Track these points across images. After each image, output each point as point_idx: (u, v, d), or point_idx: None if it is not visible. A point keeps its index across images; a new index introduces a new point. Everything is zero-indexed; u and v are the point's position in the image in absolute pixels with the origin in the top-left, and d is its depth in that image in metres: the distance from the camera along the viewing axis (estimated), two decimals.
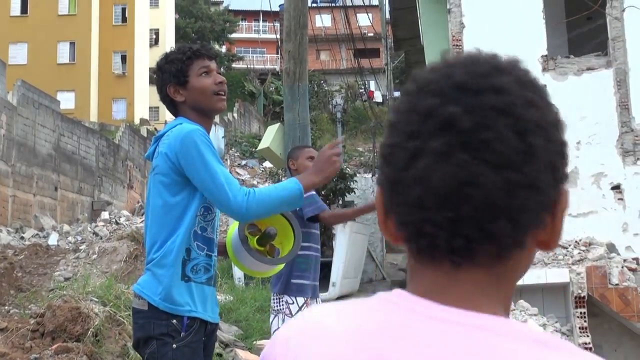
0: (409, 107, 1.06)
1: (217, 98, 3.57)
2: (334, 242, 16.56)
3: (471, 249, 1.00)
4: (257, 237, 3.64)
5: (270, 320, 5.51)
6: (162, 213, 3.39)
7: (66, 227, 25.90)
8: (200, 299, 3.36)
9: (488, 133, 0.98)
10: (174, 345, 3.24)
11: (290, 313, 5.35)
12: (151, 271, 3.34)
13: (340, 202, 20.80)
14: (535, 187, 1.01)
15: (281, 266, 3.93)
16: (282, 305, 5.40)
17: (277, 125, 12.01)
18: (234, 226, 3.65)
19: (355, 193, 22.96)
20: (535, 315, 12.86)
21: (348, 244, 15.82)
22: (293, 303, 5.37)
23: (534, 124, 1.05)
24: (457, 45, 14.85)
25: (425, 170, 0.99)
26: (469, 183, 0.96)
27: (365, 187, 24.76)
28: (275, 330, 5.36)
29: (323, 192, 18.86)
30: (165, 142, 3.38)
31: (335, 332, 1.08)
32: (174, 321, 3.27)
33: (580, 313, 13.02)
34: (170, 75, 3.56)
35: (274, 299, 5.49)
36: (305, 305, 5.40)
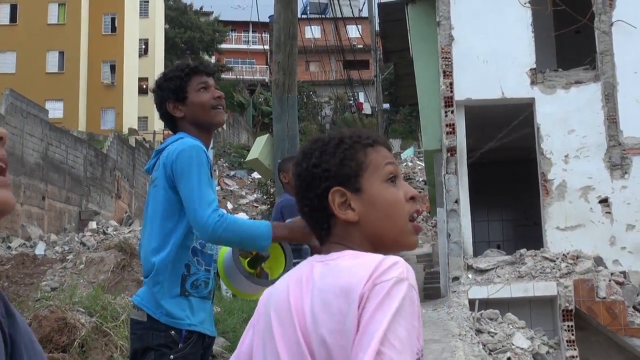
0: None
1: (215, 112, 3.62)
2: None
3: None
4: (248, 259, 3.64)
5: None
6: (157, 226, 3.41)
7: (53, 237, 25.77)
8: (199, 313, 3.39)
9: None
10: (172, 357, 3.26)
11: None
12: (148, 285, 3.36)
13: None
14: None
15: None
16: None
17: (266, 136, 12.01)
18: (224, 249, 3.64)
19: None
20: (522, 328, 12.87)
21: None
22: None
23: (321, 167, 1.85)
24: (446, 57, 14.90)
25: None
26: None
27: None
28: None
29: None
30: (165, 155, 3.43)
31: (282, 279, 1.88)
32: (172, 332, 3.29)
33: (568, 326, 13.04)
34: (169, 92, 3.60)
35: None
36: None
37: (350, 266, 1.66)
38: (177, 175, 3.33)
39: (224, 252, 3.62)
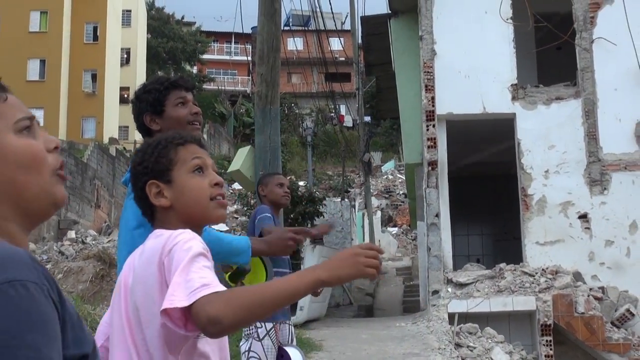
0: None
1: (192, 127, 3.59)
2: (302, 266, 16.51)
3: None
4: (229, 273, 3.63)
5: (240, 343, 5.53)
6: (132, 237, 3.39)
7: (32, 246, 25.59)
8: None
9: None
10: None
11: (258, 337, 5.38)
12: None
13: (309, 225, 20.77)
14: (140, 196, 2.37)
15: None
16: (252, 329, 5.41)
17: (247, 148, 11.99)
18: None
19: (324, 217, 22.95)
20: (501, 342, 12.91)
21: None
22: (261, 327, 5.39)
23: (133, 170, 2.41)
24: (428, 72, 14.95)
25: None
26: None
27: (334, 211, 24.74)
28: (244, 353, 5.41)
29: (292, 216, 18.84)
30: None
31: None
32: None
33: (546, 341, 13.08)
34: (147, 104, 3.58)
35: None
36: (272, 329, 5.42)
37: (152, 243, 2.18)
38: None
39: None
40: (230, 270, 3.63)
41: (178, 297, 1.93)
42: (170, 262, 2.06)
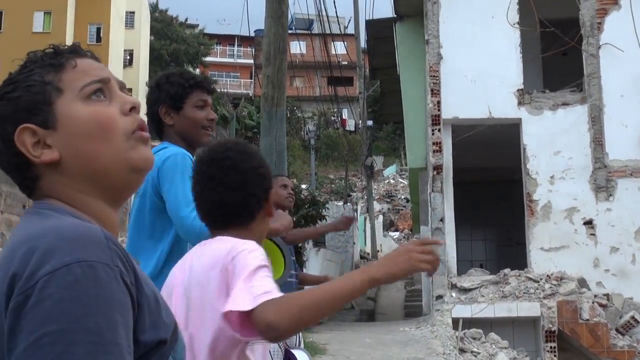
0: (196, 167, 2.56)
1: (205, 132, 3.59)
2: (305, 269, 16.47)
3: (226, 225, 2.48)
4: None
5: None
6: (142, 235, 3.35)
7: None
8: None
9: (226, 178, 2.46)
10: None
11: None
12: None
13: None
14: (252, 196, 2.49)
15: None
16: None
17: None
18: None
19: (326, 220, 22.89)
20: (505, 348, 12.85)
21: (320, 271, 15.77)
22: None
23: (245, 168, 2.48)
24: (434, 76, 14.91)
25: (206, 195, 2.50)
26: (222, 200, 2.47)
27: (337, 214, 24.70)
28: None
29: (294, 219, 18.79)
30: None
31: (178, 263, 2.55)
32: None
33: (551, 347, 13.03)
34: (166, 96, 3.52)
35: None
36: None
37: (215, 247, 2.34)
38: (163, 180, 3.29)
39: None
40: None
41: (242, 301, 2.06)
42: (234, 269, 2.17)
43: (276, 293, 2.08)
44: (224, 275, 2.20)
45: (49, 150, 1.41)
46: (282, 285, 3.89)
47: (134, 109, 1.49)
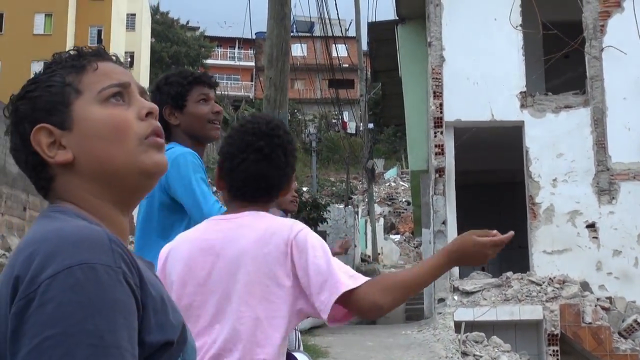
0: (239, 137, 2.55)
1: (212, 126, 3.55)
2: None
3: (256, 198, 2.52)
4: None
5: None
6: (152, 234, 3.33)
7: None
8: None
9: (273, 154, 2.50)
10: None
11: None
12: None
13: (314, 231, 20.71)
14: (286, 175, 2.56)
15: None
16: None
17: None
18: None
19: (327, 223, 22.90)
20: (508, 351, 12.81)
21: None
22: None
23: (289, 149, 2.56)
24: (436, 78, 14.87)
25: (248, 166, 2.49)
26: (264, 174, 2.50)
27: (338, 217, 24.71)
28: None
29: None
30: None
31: (189, 239, 2.53)
32: None
33: (553, 351, 12.99)
34: (168, 97, 3.50)
35: None
36: None
37: (268, 222, 2.46)
38: (172, 180, 3.28)
39: None
40: None
41: (345, 281, 2.25)
42: (304, 245, 2.31)
43: (363, 276, 2.32)
44: (286, 250, 2.31)
45: (63, 151, 1.42)
46: None
47: (151, 114, 1.50)
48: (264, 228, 2.38)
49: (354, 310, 2.27)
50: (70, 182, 1.43)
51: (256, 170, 2.50)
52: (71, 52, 1.51)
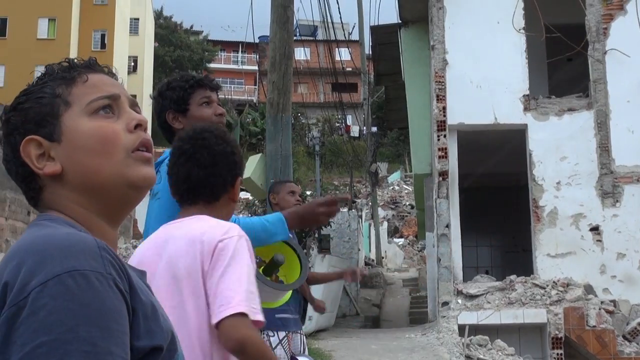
0: (174, 145, 2.73)
1: None
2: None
3: (194, 200, 2.59)
4: (262, 267, 3.52)
5: None
6: None
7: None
8: None
9: (197, 154, 2.59)
10: None
11: (270, 345, 5.29)
12: None
13: (316, 235, 20.71)
14: (218, 176, 2.62)
15: (287, 296, 3.80)
16: (264, 338, 5.34)
17: (258, 156, 11.90)
18: None
19: (331, 227, 22.89)
20: (512, 355, 12.79)
21: None
22: (273, 336, 5.32)
23: (217, 150, 2.63)
24: (439, 81, 14.87)
25: (178, 169, 2.65)
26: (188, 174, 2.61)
27: (342, 221, 24.67)
28: None
29: None
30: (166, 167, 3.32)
31: (145, 242, 2.63)
32: None
33: (557, 354, 12.97)
34: (170, 102, 3.51)
35: None
36: (285, 338, 5.35)
37: (200, 226, 2.51)
38: None
39: None
40: (263, 265, 3.52)
41: (237, 303, 2.27)
42: (225, 254, 2.35)
43: (261, 316, 2.33)
44: (210, 252, 2.36)
45: (52, 162, 1.44)
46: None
47: (140, 126, 1.50)
48: (198, 230, 2.44)
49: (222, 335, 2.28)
50: (59, 193, 1.45)
51: (183, 172, 2.64)
52: (62, 64, 1.53)
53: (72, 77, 1.48)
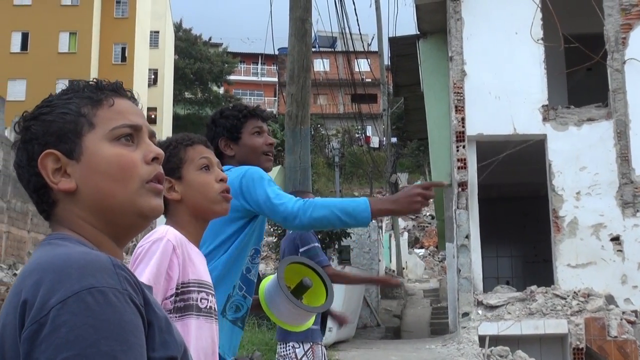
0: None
1: (266, 158, 3.68)
2: None
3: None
4: (290, 290, 3.54)
5: None
6: (208, 245, 3.34)
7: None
8: (226, 336, 3.30)
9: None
10: None
11: (296, 357, 5.36)
12: None
13: (337, 246, 20.70)
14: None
15: (311, 322, 3.82)
16: (289, 349, 5.39)
17: (278, 168, 11.99)
18: (267, 279, 3.56)
19: (351, 237, 22.86)
20: None
21: (345, 290, 15.73)
22: (299, 347, 5.39)
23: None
24: (458, 92, 14.88)
25: None
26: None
27: (362, 232, 24.63)
28: None
29: (319, 236, 18.73)
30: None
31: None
32: None
33: None
34: (223, 129, 3.65)
35: (281, 347, 5.49)
36: (310, 350, 5.40)
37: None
38: (248, 187, 3.37)
39: (264, 283, 3.54)
40: (290, 288, 3.53)
41: None
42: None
43: None
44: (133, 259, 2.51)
45: (67, 179, 1.47)
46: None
47: (157, 159, 1.55)
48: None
49: None
50: (71, 209, 1.49)
51: None
52: (90, 83, 1.56)
53: (99, 99, 1.51)
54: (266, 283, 3.51)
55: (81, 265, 1.29)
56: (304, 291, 3.50)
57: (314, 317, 3.77)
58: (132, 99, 1.59)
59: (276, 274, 3.42)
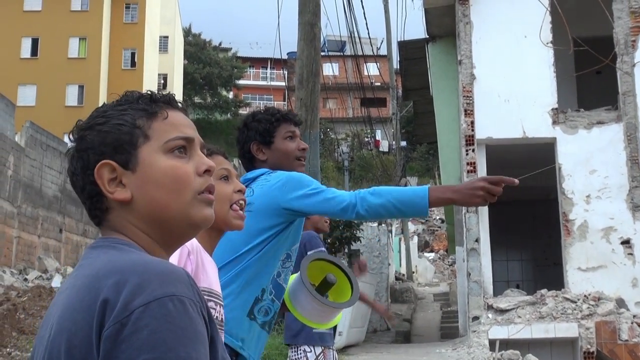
0: None
1: (298, 163, 3.64)
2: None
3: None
4: (314, 288, 3.52)
5: None
6: (240, 246, 3.32)
7: (70, 269, 25.75)
8: (253, 340, 3.28)
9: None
10: None
11: None
12: None
13: (346, 250, 20.71)
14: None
15: (339, 318, 3.80)
16: (300, 353, 5.40)
17: None
18: (290, 278, 3.55)
19: (361, 242, 22.86)
20: None
21: None
22: (311, 351, 5.40)
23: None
24: (467, 96, 14.88)
25: None
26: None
27: (371, 236, 24.65)
28: None
29: (329, 241, 18.78)
30: (262, 182, 3.42)
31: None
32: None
33: None
34: (256, 133, 3.62)
35: (292, 350, 5.50)
36: (322, 354, 5.40)
37: None
38: (292, 188, 3.31)
39: (290, 281, 3.52)
40: (314, 286, 3.51)
41: None
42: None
43: None
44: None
45: (123, 189, 1.52)
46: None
47: (208, 171, 1.59)
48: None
49: None
50: (125, 218, 1.53)
51: None
52: (144, 94, 1.60)
53: (154, 112, 1.56)
54: (290, 282, 3.49)
55: (162, 272, 1.34)
56: (329, 288, 3.47)
57: (341, 314, 3.75)
58: (184, 110, 1.63)
59: (299, 272, 3.40)
